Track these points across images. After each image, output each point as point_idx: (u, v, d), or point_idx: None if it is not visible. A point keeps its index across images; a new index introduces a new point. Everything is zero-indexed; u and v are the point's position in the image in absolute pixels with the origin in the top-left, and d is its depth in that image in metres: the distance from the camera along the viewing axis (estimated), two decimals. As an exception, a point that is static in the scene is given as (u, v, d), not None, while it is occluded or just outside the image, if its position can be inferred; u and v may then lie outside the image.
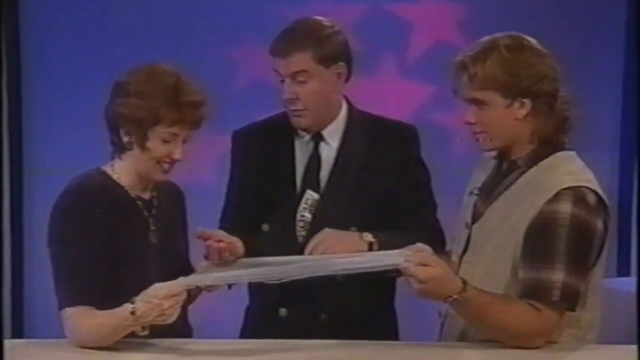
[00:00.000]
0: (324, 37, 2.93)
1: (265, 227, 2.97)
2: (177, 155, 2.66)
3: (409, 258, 2.49)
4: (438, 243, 2.88)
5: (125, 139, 2.65)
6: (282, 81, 2.93)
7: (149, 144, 2.63)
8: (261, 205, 2.98)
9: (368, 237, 2.82)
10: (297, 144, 3.02)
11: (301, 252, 2.79)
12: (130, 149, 2.65)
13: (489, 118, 2.65)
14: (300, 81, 2.91)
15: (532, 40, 2.68)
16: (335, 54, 2.95)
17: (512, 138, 2.67)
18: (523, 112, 2.64)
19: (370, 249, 2.80)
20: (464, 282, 2.52)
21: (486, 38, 2.67)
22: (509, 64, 2.61)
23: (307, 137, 3.01)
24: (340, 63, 2.96)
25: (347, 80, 3.00)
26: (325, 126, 2.99)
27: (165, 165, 2.67)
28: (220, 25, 4.53)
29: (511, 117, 2.64)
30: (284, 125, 3.01)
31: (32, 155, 4.60)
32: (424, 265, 2.48)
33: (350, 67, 2.99)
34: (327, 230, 2.79)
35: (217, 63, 4.47)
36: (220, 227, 2.90)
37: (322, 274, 2.52)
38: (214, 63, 4.44)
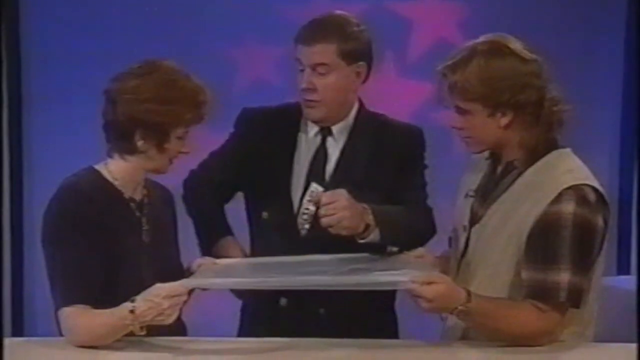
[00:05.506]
0: (351, 33, 2.95)
1: (264, 214, 2.98)
2: (186, 148, 2.67)
3: (414, 278, 2.49)
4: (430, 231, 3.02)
5: (139, 143, 2.63)
6: (302, 70, 2.94)
7: (167, 145, 2.63)
8: (260, 192, 3.00)
9: (369, 219, 2.81)
10: (303, 136, 3.03)
11: (304, 245, 2.84)
12: (143, 152, 2.64)
13: (472, 125, 2.64)
14: (320, 73, 2.92)
15: (517, 45, 2.63)
16: (358, 52, 2.97)
17: (499, 143, 2.66)
18: (505, 121, 2.62)
19: (366, 230, 2.80)
20: (468, 292, 2.52)
21: (469, 43, 2.65)
22: (487, 75, 2.58)
23: (315, 130, 3.02)
24: (362, 62, 2.97)
25: (364, 81, 3.02)
26: (336, 122, 3.01)
27: (174, 159, 2.68)
28: (220, 25, 4.53)
29: (494, 126, 2.63)
30: (293, 115, 3.03)
31: (32, 155, 4.60)
32: (430, 283, 2.49)
33: (370, 68, 3.00)
34: (343, 191, 2.78)
35: (217, 63, 4.46)
36: (196, 192, 3.05)
37: (325, 288, 2.53)
38: (214, 63, 4.43)
